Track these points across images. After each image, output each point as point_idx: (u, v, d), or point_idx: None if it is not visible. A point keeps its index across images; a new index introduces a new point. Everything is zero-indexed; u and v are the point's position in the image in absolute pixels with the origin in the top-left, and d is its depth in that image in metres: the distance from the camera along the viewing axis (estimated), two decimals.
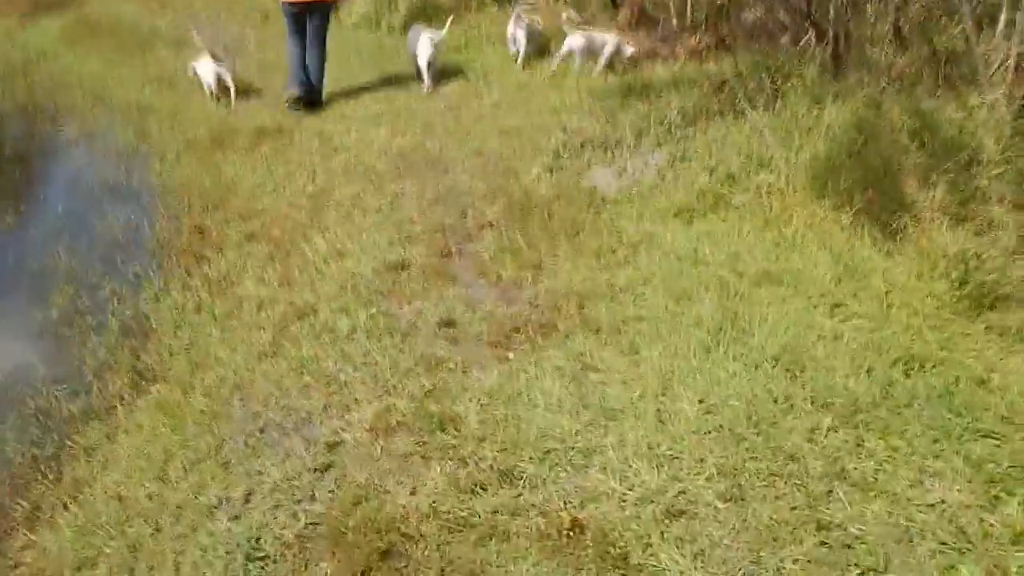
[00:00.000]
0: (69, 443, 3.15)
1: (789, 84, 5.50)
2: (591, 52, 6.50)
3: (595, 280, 3.48)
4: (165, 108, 6.89)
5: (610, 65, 6.45)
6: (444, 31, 6.76)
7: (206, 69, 6.81)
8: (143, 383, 3.41)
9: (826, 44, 6.07)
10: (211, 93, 6.75)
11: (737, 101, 5.29)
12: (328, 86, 6.77)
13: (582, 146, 4.90)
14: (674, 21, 7.43)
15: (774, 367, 2.82)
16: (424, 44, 6.52)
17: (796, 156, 4.28)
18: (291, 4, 6.35)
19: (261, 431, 2.87)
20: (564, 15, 6.95)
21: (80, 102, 7.24)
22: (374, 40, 8.31)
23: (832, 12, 6.37)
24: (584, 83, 6.21)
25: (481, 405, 2.80)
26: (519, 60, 6.82)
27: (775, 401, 2.68)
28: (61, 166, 6.25)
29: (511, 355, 3.06)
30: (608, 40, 6.50)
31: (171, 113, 6.76)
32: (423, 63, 6.52)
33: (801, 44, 6.36)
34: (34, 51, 8.98)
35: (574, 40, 6.50)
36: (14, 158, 6.27)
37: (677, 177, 4.35)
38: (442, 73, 6.79)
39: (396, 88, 6.72)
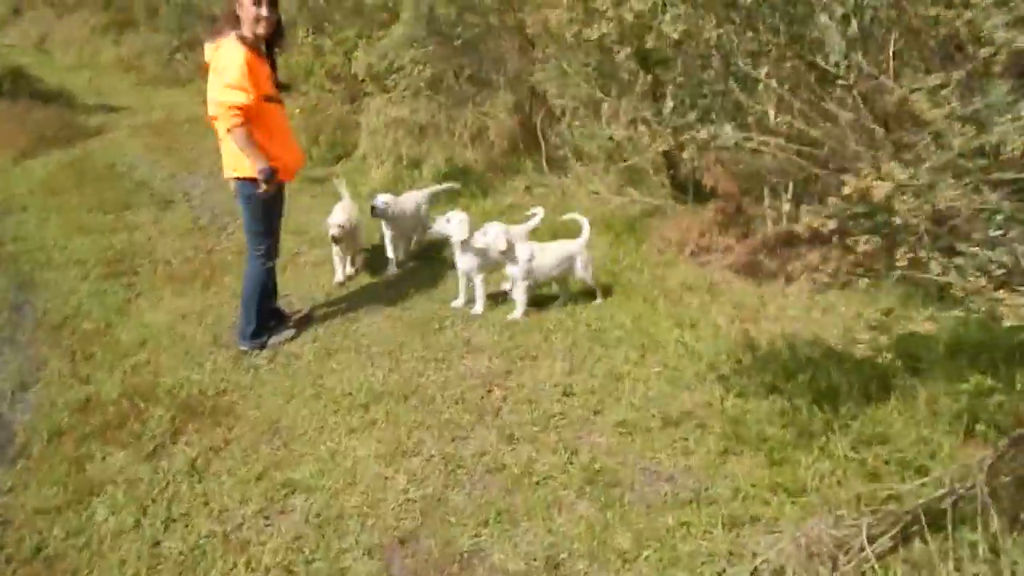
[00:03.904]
0: None
1: None
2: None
3: None
4: (96, 318, 4.76)
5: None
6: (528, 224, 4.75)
7: None
8: None
9: None
10: None
11: None
12: (319, 304, 4.51)
13: None
14: (772, 223, 4.85)
15: None
16: (497, 235, 4.29)
17: None
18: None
19: None
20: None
21: None
22: None
23: None
24: (701, 352, 3.72)
25: None
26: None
27: None
28: None
29: None
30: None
31: (97, 331, 4.59)
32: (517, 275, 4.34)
33: None
34: (2, 201, 7.17)
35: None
36: None
37: None
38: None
39: (412, 327, 4.34)
